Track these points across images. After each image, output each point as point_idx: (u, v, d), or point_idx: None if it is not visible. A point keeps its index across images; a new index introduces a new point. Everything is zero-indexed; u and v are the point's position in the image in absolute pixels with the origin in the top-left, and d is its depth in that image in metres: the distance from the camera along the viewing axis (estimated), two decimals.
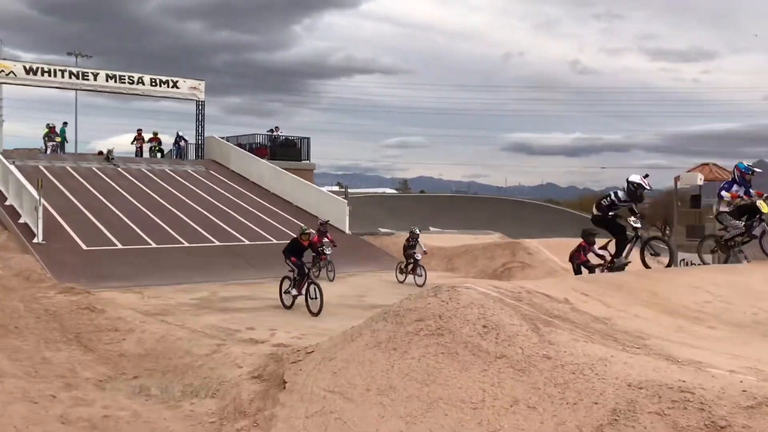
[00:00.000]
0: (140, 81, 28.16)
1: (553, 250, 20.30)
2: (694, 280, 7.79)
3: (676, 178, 22.78)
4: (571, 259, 11.92)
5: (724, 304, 6.91)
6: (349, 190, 27.70)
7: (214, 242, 18.78)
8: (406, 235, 17.56)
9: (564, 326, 5.29)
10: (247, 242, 19.21)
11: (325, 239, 16.53)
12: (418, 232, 17.57)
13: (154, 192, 22.68)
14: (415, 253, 16.65)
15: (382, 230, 25.15)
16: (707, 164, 22.73)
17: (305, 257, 12.60)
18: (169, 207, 21.26)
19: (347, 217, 21.74)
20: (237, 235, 19.61)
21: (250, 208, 22.46)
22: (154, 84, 28.49)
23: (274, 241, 19.56)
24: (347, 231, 21.46)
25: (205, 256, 17.49)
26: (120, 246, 17.36)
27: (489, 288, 6.07)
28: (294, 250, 12.59)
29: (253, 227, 20.51)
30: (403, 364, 5.12)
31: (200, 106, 29.47)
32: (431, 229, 30.10)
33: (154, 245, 17.80)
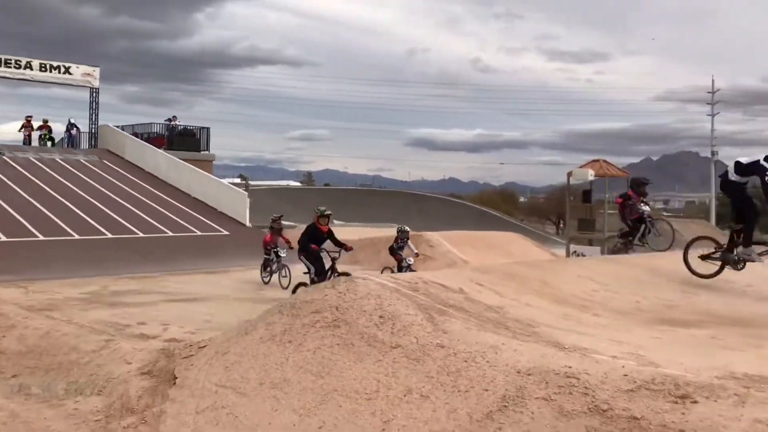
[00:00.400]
0: (29, 66, 26.71)
1: (454, 242, 20.71)
2: (583, 271, 8.10)
3: (569, 174, 23.65)
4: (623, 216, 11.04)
5: (610, 293, 7.20)
6: (253, 183, 27.38)
7: (106, 234, 18.04)
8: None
9: (458, 315, 5.36)
10: (141, 235, 18.56)
11: (280, 239, 14.52)
12: (408, 230, 15.33)
13: (43, 182, 21.59)
14: (404, 257, 14.55)
15: (285, 223, 24.90)
16: (597, 160, 23.71)
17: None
18: (59, 198, 20.28)
19: (248, 210, 21.42)
20: (131, 227, 18.92)
21: (146, 200, 21.73)
22: (44, 69, 27.09)
23: (170, 234, 19.04)
24: (248, 224, 21.16)
25: (96, 249, 16.78)
26: (4, 238, 16.42)
27: (386, 279, 6.09)
28: (313, 239, 10.32)
29: (149, 219, 19.85)
30: (298, 356, 5.05)
31: (94, 93, 28.25)
32: (335, 222, 30.07)
33: (41, 237, 16.94)
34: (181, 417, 5.01)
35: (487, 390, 4.19)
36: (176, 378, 5.63)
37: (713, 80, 63.93)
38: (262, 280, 14.81)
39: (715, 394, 3.78)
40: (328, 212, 10.66)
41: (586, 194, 23.72)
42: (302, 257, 10.45)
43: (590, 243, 22.90)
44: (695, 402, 3.73)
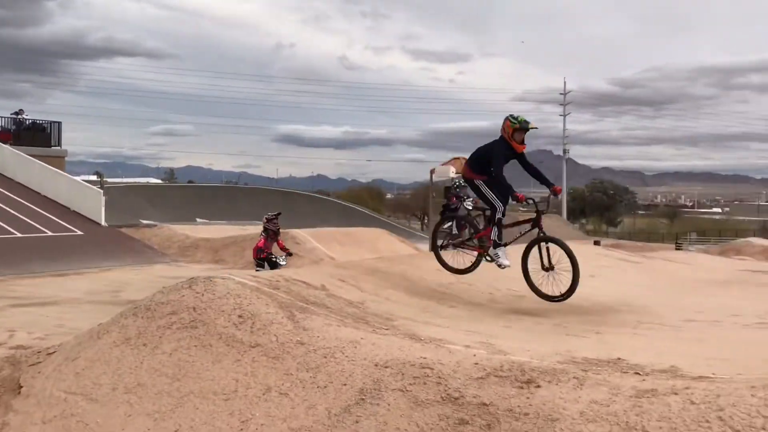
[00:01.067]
0: None
1: (321, 239, 20.75)
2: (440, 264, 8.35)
3: (432, 171, 24.27)
4: None
5: (465, 285, 7.50)
6: (111, 180, 26.16)
7: None
8: (171, 226, 16.71)
9: (319, 312, 5.40)
10: None
11: (276, 245, 12.62)
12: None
13: None
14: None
15: (144, 222, 24.03)
16: (458, 158, 24.44)
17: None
18: None
19: (103, 208, 20.45)
20: None
21: None
22: None
23: (19, 235, 17.86)
24: (103, 223, 20.20)
25: None
26: None
27: (246, 277, 6.04)
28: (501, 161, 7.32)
29: None
30: (154, 360, 4.90)
31: None
32: (198, 220, 29.33)
33: None
34: (25, 428, 4.72)
35: (345, 384, 4.26)
36: (21, 387, 5.30)
37: (565, 82, 68.17)
38: None
39: (556, 378, 4.03)
40: (533, 125, 7.36)
41: (448, 191, 24.44)
42: (479, 182, 7.37)
43: None
44: (539, 386, 3.97)
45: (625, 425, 3.44)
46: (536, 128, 7.50)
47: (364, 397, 4.12)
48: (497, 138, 7.45)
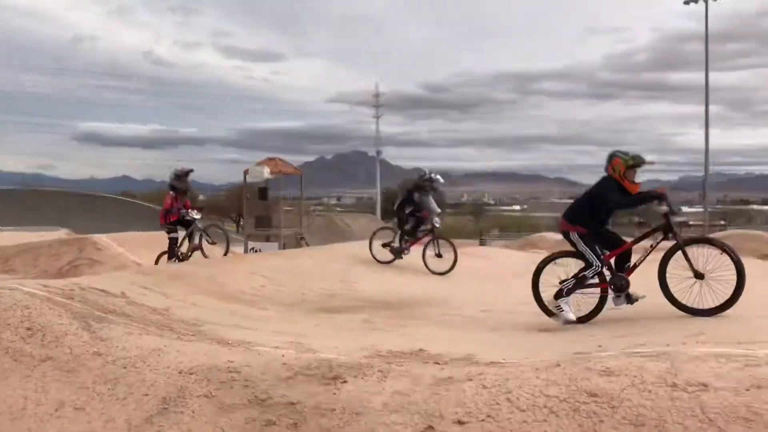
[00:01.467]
0: None
1: (126, 244, 19.68)
2: (253, 267, 8.29)
3: (246, 172, 23.94)
4: None
5: (277, 286, 7.49)
6: None
7: None
8: None
9: (119, 321, 5.15)
10: None
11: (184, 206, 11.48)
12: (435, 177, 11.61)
13: None
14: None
15: None
16: (273, 158, 24.32)
17: None
18: None
19: None
20: None
21: None
22: None
23: None
24: None
25: None
26: None
27: (37, 287, 5.61)
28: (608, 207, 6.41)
29: None
30: None
31: None
32: None
33: None
34: None
35: (147, 395, 4.09)
36: None
37: (377, 85, 70.38)
38: (178, 259, 10.91)
39: (362, 373, 4.14)
40: (648, 158, 6.40)
41: (263, 192, 24.20)
42: (576, 237, 6.39)
43: (267, 239, 23.45)
44: (345, 382, 4.05)
45: (424, 413, 3.61)
46: (653, 162, 6.60)
47: (167, 406, 3.98)
48: (601, 179, 6.45)
